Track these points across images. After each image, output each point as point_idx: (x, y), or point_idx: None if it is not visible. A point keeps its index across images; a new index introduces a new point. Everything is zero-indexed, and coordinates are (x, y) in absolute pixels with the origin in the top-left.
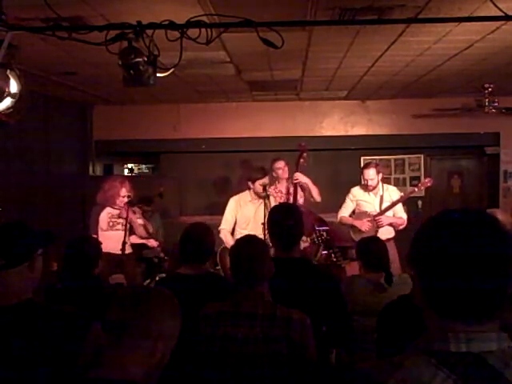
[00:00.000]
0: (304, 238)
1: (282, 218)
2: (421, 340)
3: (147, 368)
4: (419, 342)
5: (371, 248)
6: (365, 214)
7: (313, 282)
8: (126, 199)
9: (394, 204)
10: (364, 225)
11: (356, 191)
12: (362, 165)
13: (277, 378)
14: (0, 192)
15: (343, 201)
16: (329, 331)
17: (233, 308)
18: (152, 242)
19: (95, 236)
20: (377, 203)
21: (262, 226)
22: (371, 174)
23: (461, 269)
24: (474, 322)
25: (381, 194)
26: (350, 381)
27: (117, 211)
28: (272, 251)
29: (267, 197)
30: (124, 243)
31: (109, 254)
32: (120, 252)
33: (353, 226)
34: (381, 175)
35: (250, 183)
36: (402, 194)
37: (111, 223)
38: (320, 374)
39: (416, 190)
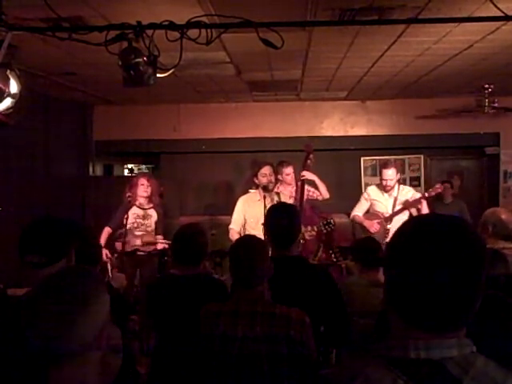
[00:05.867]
0: (309, 227)
1: (278, 218)
2: (382, 345)
3: None
4: (381, 347)
5: (366, 246)
6: (376, 215)
7: (309, 281)
8: (145, 194)
9: (404, 209)
10: (373, 226)
11: (371, 190)
12: (362, 165)
13: (276, 377)
14: (0, 192)
15: (343, 201)
16: (326, 330)
17: (232, 307)
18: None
19: (109, 228)
20: (390, 204)
21: (261, 227)
22: (390, 174)
23: (430, 268)
24: (436, 332)
25: (395, 195)
26: None
27: (141, 212)
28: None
29: (267, 189)
30: (124, 243)
31: (131, 252)
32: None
33: (363, 226)
34: (399, 175)
35: (255, 179)
36: (420, 194)
37: (136, 224)
38: (319, 373)
39: (427, 194)
